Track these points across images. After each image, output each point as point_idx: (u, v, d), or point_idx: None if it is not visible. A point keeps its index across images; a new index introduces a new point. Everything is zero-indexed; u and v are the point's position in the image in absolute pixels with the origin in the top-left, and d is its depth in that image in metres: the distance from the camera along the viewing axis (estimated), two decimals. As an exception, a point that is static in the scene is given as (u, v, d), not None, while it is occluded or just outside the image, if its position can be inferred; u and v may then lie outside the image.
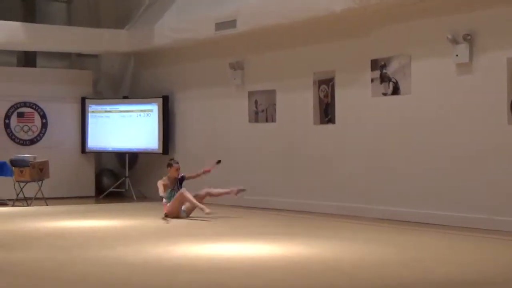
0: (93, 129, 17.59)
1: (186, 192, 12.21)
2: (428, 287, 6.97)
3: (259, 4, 13.91)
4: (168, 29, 16.06)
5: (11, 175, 15.19)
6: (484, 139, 11.08)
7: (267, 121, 14.76)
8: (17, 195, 15.25)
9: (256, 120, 14.96)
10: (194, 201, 12.19)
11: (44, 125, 17.49)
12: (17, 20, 16.58)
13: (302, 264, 8.05)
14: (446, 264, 8.07)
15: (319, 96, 13.66)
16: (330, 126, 13.48)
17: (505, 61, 10.78)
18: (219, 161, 13.08)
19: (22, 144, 17.21)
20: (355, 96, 13.02)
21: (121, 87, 18.79)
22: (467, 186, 11.27)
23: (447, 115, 11.60)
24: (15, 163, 15.23)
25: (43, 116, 17.48)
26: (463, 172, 11.34)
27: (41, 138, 17.47)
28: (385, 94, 12.51)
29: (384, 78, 12.51)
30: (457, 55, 11.32)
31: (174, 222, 12.19)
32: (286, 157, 14.32)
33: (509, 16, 10.86)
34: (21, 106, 17.29)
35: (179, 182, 12.73)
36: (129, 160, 17.58)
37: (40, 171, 15.20)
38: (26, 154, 15.78)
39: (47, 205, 15.12)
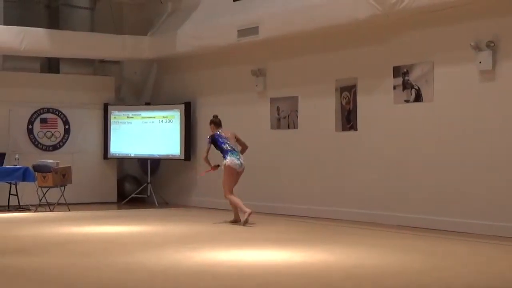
0: (115, 135, 17.65)
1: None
2: (450, 295, 6.94)
3: (281, 11, 13.91)
4: (190, 36, 16.11)
5: (34, 181, 15.29)
6: (507, 146, 11.01)
7: (289, 127, 14.75)
8: (40, 200, 15.35)
9: (278, 127, 14.96)
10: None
11: (67, 131, 17.58)
12: (41, 27, 16.69)
13: (323, 271, 8.03)
14: (469, 272, 8.02)
15: (341, 103, 13.64)
16: (352, 132, 13.46)
17: (529, 68, 10.73)
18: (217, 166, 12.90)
19: (45, 150, 17.30)
20: (377, 103, 12.98)
21: (144, 93, 18.86)
22: (489, 193, 11.20)
23: (469, 122, 11.54)
24: (38, 168, 15.33)
25: (66, 122, 17.56)
26: (485, 179, 11.27)
27: (64, 144, 17.55)
28: (407, 101, 12.47)
29: (406, 85, 12.47)
30: (480, 62, 11.27)
31: (195, 228, 12.21)
32: (308, 163, 14.30)
33: (532, 23, 10.81)
34: (44, 112, 17.38)
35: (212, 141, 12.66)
36: (151, 166, 17.62)
37: (62, 176, 15.29)
38: (49, 159, 15.88)
39: (69, 210, 15.20)
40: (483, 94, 11.36)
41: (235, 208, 12.47)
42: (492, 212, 11.12)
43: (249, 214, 12.14)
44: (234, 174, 12.38)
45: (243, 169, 12.45)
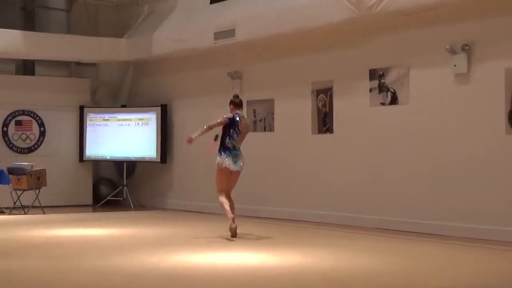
0: (91, 138, 17.57)
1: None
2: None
3: (258, 13, 13.92)
4: (167, 38, 16.07)
5: (8, 183, 15.17)
6: (482, 149, 11.08)
7: (265, 130, 14.76)
8: (14, 203, 15.23)
9: (254, 129, 14.93)
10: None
11: (42, 133, 17.47)
12: (16, 29, 16.58)
13: (299, 274, 8.03)
14: (444, 274, 8.05)
15: (317, 106, 13.66)
16: (328, 135, 13.48)
17: (503, 72, 10.80)
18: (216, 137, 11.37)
19: (20, 152, 17.18)
20: (353, 106, 13.02)
21: (120, 95, 18.79)
22: (465, 195, 11.26)
23: (445, 125, 11.60)
24: (13, 171, 15.22)
25: (41, 124, 17.46)
26: (460, 182, 11.32)
27: (39, 146, 17.45)
28: (383, 104, 12.51)
29: (382, 88, 12.51)
30: (455, 65, 11.34)
31: (171, 231, 12.18)
32: (283, 166, 14.30)
33: (507, 27, 10.88)
34: (19, 114, 17.27)
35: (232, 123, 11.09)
36: (127, 169, 17.55)
37: (37, 179, 15.19)
38: (23, 162, 15.76)
39: (44, 213, 15.10)
40: (458, 97, 11.43)
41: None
42: (467, 215, 11.18)
43: (234, 229, 10.93)
44: (227, 173, 11.08)
45: (240, 169, 11.15)
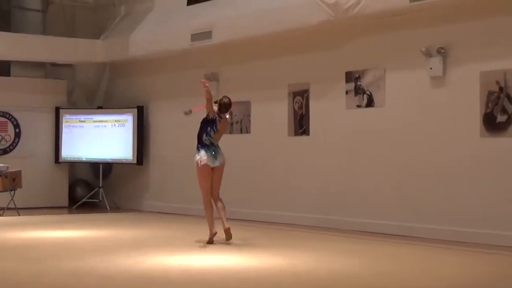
0: (67, 139, 17.49)
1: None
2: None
3: (235, 15, 13.93)
4: (143, 39, 16.04)
5: (-17, 185, 15.07)
6: (457, 151, 11.15)
7: (241, 132, 14.76)
8: (-11, 205, 15.14)
9: (231, 132, 14.92)
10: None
11: (18, 135, 17.36)
12: (-9, 29, 16.52)
13: (275, 276, 8.04)
14: (423, 277, 8.09)
15: (294, 108, 13.69)
16: (304, 137, 13.51)
17: (478, 75, 10.88)
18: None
19: (-5, 154, 17.09)
20: (330, 108, 13.06)
21: (96, 97, 18.72)
22: (440, 197, 11.33)
23: (420, 127, 11.66)
24: (-12, 172, 15.12)
25: (16, 126, 17.35)
26: (435, 184, 11.39)
27: (14, 148, 17.34)
28: (359, 106, 12.56)
29: (358, 90, 12.56)
30: (431, 68, 11.41)
31: (147, 233, 12.15)
32: (260, 168, 14.32)
33: (482, 30, 10.96)
34: (-6, 116, 17.19)
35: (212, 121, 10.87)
36: (103, 171, 17.49)
37: (12, 181, 15.09)
38: (-2, 163, 15.68)
39: (19, 215, 15.00)
40: (433, 99, 11.49)
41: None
42: (443, 217, 11.25)
43: (213, 235, 10.64)
44: (208, 171, 10.67)
45: (222, 165, 10.75)
